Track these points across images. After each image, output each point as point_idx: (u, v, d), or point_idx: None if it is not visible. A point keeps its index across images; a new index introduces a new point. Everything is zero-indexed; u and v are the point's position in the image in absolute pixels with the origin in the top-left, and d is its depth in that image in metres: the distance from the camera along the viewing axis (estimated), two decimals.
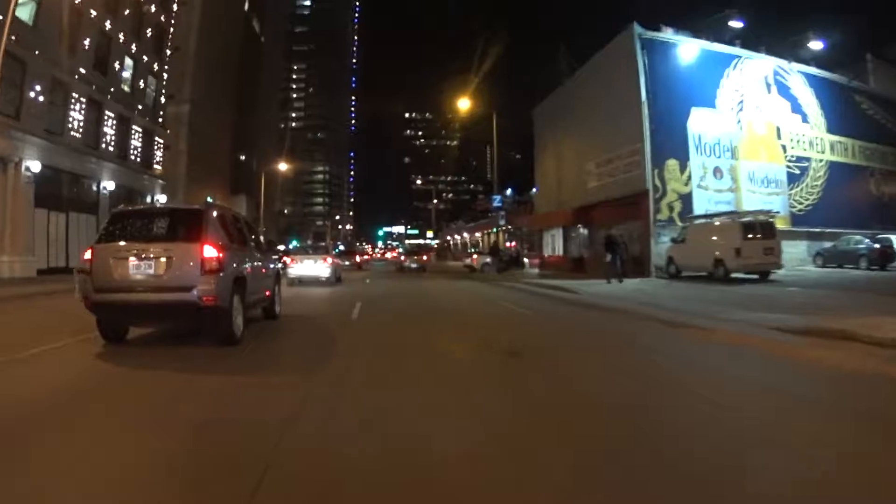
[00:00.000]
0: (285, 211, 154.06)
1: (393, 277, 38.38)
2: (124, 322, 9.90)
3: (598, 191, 34.35)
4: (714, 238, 25.19)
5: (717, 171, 31.57)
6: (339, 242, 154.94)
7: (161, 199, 45.45)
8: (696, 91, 31.90)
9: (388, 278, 37.24)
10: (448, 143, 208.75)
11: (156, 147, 45.94)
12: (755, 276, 24.60)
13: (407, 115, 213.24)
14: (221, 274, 9.12)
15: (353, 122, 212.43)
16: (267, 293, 12.60)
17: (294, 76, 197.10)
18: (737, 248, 23.79)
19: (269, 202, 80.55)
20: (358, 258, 58.82)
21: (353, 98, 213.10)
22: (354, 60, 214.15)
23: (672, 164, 29.98)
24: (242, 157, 68.85)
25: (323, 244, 48.34)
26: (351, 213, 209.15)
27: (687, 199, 30.10)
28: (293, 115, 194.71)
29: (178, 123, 52.91)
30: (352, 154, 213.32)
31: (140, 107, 43.22)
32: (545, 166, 43.26)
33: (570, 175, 38.39)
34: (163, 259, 8.92)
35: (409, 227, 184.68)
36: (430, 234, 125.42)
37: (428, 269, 49.22)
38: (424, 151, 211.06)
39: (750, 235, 24.04)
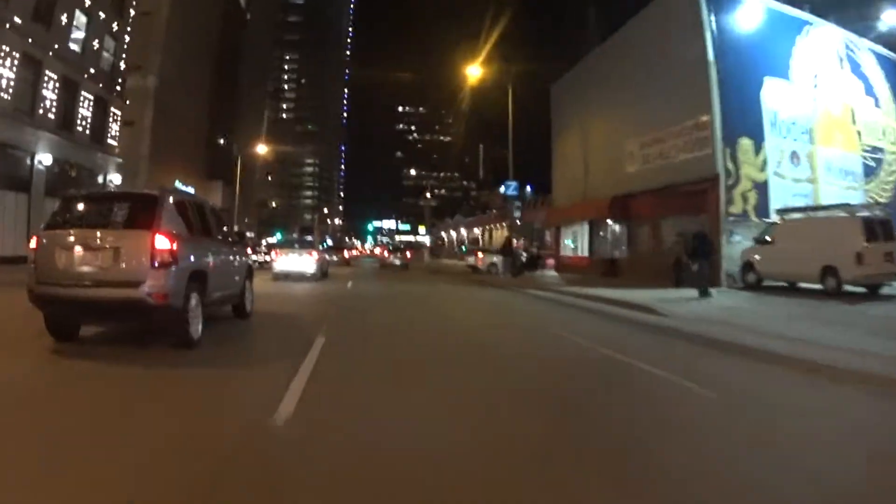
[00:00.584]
0: (273, 204, 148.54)
1: (381, 277, 34.04)
2: (70, 319, 8.64)
3: (642, 177, 27.80)
4: (823, 239, 18.57)
5: (794, 157, 25.04)
6: (326, 237, 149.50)
7: (115, 179, 38.60)
8: (768, 58, 25.34)
9: (377, 279, 32.91)
10: (441, 138, 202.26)
11: (111, 120, 39.04)
12: (863, 290, 18.24)
13: (400, 108, 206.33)
14: (174, 268, 8.06)
15: (345, 114, 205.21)
16: (235, 290, 11.51)
17: (286, 66, 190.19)
18: (858, 252, 17.32)
19: (251, 191, 73.60)
20: (346, 254, 57.47)
21: (346, 90, 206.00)
22: (348, 52, 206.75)
23: (746, 144, 23.39)
24: (221, 142, 61.81)
25: (310, 238, 44.99)
26: (341, 208, 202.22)
27: (762, 189, 23.53)
28: (284, 105, 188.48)
29: (143, 97, 45.95)
30: (342, 147, 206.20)
31: (92, 71, 36.31)
32: (566, 151, 36.63)
33: (601, 159, 31.89)
34: (109, 250, 7.90)
35: (399, 221, 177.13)
36: (422, 229, 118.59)
37: (420, 268, 45.40)
38: (417, 146, 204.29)
39: (872, 236, 17.59)
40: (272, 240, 72.34)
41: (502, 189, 30.85)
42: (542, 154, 41.14)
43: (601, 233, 32.61)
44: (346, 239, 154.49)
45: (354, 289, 24.19)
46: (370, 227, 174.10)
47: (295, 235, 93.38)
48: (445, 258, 76.35)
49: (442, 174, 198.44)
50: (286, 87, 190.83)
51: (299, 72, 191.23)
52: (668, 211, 26.47)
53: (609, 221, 31.43)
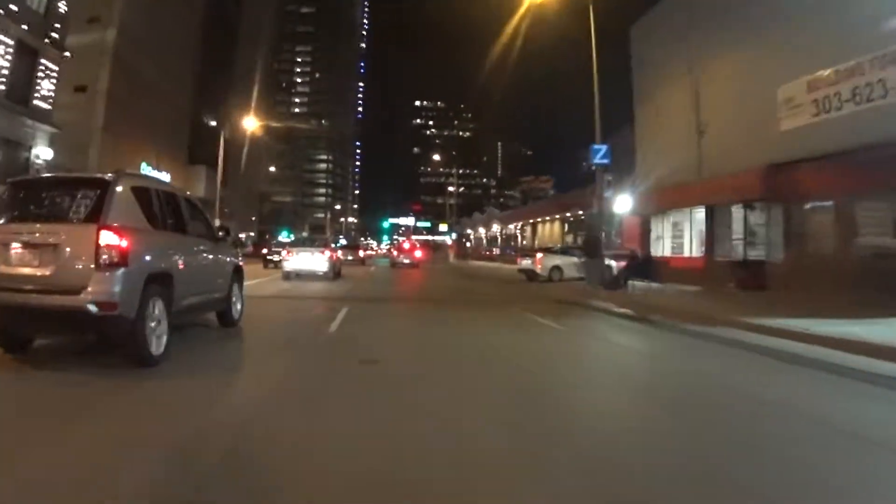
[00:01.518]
0: (282, 199, 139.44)
1: (401, 282, 28.25)
2: (12, 329, 7.28)
3: (813, 135, 17.21)
4: None
5: None
6: (340, 236, 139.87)
7: (43, 154, 28.54)
8: None
9: (395, 283, 27.01)
10: (460, 133, 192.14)
11: (44, 76, 28.88)
12: None
13: (417, 102, 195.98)
14: (125, 270, 6.61)
15: (360, 109, 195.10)
16: (217, 294, 9.64)
17: (298, 59, 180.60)
18: None
19: (251, 183, 63.43)
20: (361, 253, 53.52)
21: (361, 84, 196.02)
22: (363, 45, 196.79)
23: None
24: (209, 122, 51.46)
25: (324, 236, 44.54)
26: (355, 206, 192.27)
27: None
28: (296, 100, 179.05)
29: (98, 55, 35.74)
30: (357, 143, 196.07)
31: (14, 8, 26.22)
32: (659, 115, 26.00)
33: (730, 119, 21.35)
34: (48, 248, 6.61)
35: (419, 219, 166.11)
36: (443, 227, 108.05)
37: (446, 270, 38.75)
38: (435, 142, 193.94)
39: None
40: (284, 239, 64.47)
41: (591, 157, 19.92)
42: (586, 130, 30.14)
43: (727, 223, 21.91)
44: (362, 238, 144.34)
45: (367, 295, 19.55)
46: (385, 225, 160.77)
47: (305, 234, 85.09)
48: (474, 258, 65.63)
49: (461, 170, 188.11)
50: (298, 80, 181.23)
51: (312, 65, 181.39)
52: (870, 185, 15.90)
53: (742, 207, 20.82)
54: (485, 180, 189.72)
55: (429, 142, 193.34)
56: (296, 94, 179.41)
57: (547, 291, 20.58)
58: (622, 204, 29.66)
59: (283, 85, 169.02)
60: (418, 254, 48.48)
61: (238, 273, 10.80)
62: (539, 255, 26.52)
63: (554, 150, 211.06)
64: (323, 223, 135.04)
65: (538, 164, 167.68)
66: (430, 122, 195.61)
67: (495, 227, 69.02)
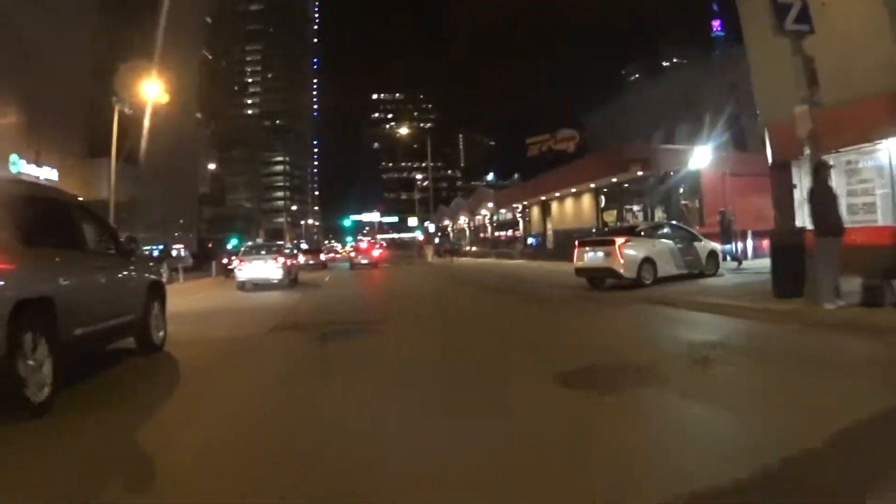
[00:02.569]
0: (247, 206, 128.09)
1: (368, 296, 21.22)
2: None
3: None
4: None
5: None
6: (302, 240, 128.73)
7: None
8: None
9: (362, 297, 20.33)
10: (422, 125, 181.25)
11: None
12: None
13: (375, 95, 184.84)
14: None
15: (316, 106, 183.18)
16: (127, 318, 7.92)
17: (248, 58, 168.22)
18: None
19: (182, 182, 52.05)
20: (323, 256, 52.07)
21: (315, 81, 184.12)
22: (316, 39, 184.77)
23: None
24: (116, 105, 39.40)
25: (277, 242, 41.97)
26: (317, 209, 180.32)
27: None
28: (249, 101, 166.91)
29: None
30: (315, 142, 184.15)
31: None
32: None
33: None
34: None
35: (384, 215, 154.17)
36: (412, 221, 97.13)
37: (429, 275, 31.04)
38: (396, 136, 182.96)
39: None
40: (235, 247, 54.31)
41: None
42: None
43: None
44: (326, 241, 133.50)
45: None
46: (346, 223, 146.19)
47: (259, 240, 74.58)
48: (461, 256, 54.53)
49: (423, 164, 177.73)
50: (250, 80, 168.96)
51: (264, 64, 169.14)
52: None
53: None
54: (450, 172, 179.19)
55: (389, 136, 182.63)
56: (248, 95, 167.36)
57: (704, 325, 9.87)
58: (700, 159, 19.70)
59: (236, 88, 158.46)
60: (376, 253, 45.71)
61: (156, 291, 9.07)
62: (620, 239, 15.71)
63: (519, 136, 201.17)
64: (281, 228, 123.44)
65: (502, 154, 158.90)
66: (390, 116, 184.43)
67: (484, 213, 56.51)
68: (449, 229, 74.06)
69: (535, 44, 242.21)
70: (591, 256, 15.96)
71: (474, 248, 57.20)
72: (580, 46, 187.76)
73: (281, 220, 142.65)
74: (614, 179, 30.29)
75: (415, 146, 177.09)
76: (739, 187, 23.21)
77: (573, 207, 37.12)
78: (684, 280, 15.62)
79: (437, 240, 68.98)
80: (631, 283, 14.93)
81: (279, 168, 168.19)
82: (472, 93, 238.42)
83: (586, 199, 35.15)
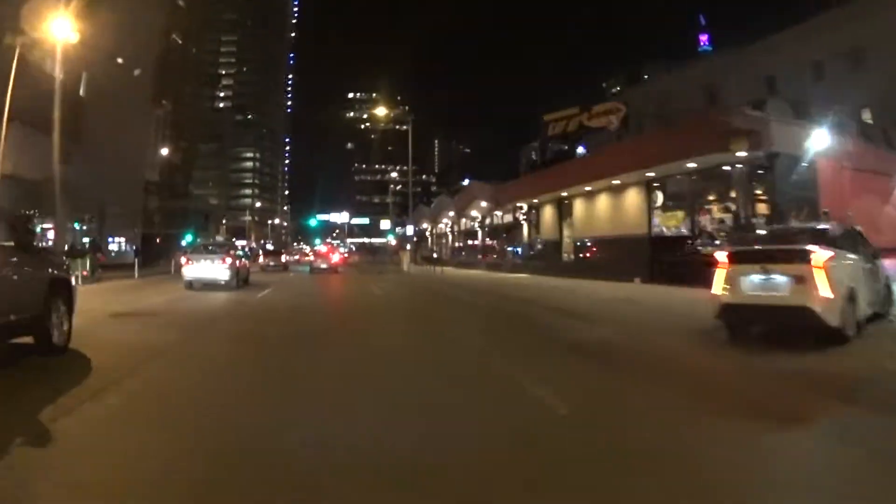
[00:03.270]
0: (213, 200, 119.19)
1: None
2: None
3: None
4: None
5: None
6: (268, 241, 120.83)
7: None
8: None
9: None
10: (397, 127, 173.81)
11: None
12: None
13: (350, 94, 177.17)
14: None
15: (290, 104, 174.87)
16: (16, 316, 7.11)
17: (222, 49, 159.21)
18: None
19: (123, 164, 43.96)
20: (284, 258, 49.81)
21: (290, 77, 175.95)
22: (293, 34, 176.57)
23: None
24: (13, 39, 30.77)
25: (227, 242, 40.40)
26: (286, 209, 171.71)
27: None
28: (220, 93, 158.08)
29: None
30: (287, 140, 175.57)
31: None
32: None
33: None
34: None
35: (353, 215, 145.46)
36: (385, 224, 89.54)
37: (387, 281, 29.73)
38: (370, 136, 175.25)
39: None
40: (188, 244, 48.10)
41: None
42: None
43: None
44: (295, 243, 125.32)
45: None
46: (312, 223, 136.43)
47: (219, 238, 66.77)
48: (451, 263, 47.10)
49: (399, 167, 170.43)
50: (223, 72, 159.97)
51: (239, 56, 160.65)
52: None
53: None
54: (424, 177, 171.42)
55: (363, 136, 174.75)
56: (219, 87, 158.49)
57: None
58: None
59: (207, 80, 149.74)
60: (335, 257, 44.77)
61: (59, 288, 8.27)
62: (822, 253, 8.42)
63: (493, 146, 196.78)
64: (247, 226, 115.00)
65: (477, 163, 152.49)
66: (365, 116, 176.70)
67: (476, 213, 46.92)
68: (427, 233, 66.13)
69: (515, 54, 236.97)
70: (761, 282, 8.62)
71: (462, 256, 49.69)
72: (558, 58, 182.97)
73: (247, 218, 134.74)
74: (692, 164, 21.50)
75: (389, 148, 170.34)
76: (861, 186, 16.43)
77: (609, 207, 27.82)
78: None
79: (408, 245, 61.48)
80: (826, 335, 8.10)
81: (249, 164, 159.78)
82: (450, 98, 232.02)
83: (632, 196, 25.90)
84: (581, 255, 30.68)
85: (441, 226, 58.57)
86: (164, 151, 54.57)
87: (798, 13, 36.46)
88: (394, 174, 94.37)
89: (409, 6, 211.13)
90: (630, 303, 16.08)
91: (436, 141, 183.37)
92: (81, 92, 38.61)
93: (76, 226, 41.16)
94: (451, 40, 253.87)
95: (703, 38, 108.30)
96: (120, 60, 41.09)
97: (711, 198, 23.07)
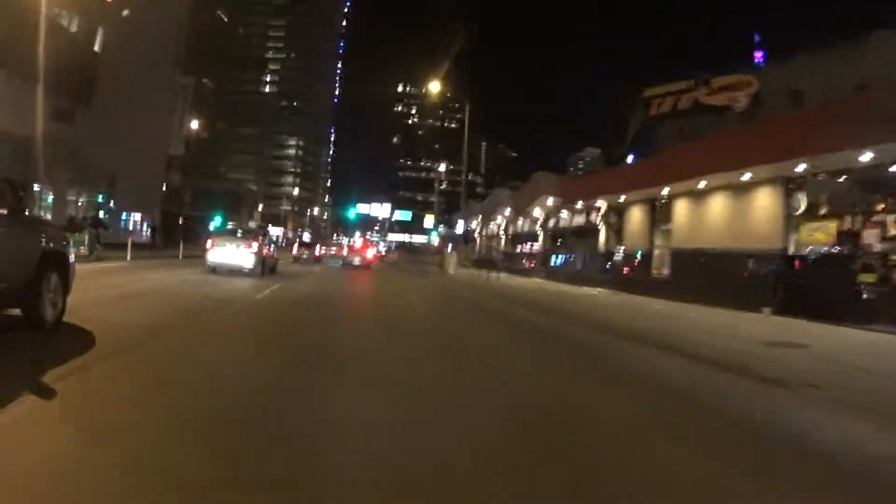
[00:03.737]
0: (252, 186, 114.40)
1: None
2: None
3: None
4: None
5: None
6: (305, 231, 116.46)
7: None
8: None
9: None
10: (446, 124, 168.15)
11: None
12: None
13: (400, 87, 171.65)
14: None
15: (336, 92, 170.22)
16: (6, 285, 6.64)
17: (270, 34, 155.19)
18: None
19: (147, 136, 38.98)
20: (321, 250, 45.31)
21: (339, 66, 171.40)
22: (345, 22, 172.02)
23: None
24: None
25: (254, 227, 38.03)
26: (328, 200, 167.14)
27: None
28: (267, 78, 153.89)
29: None
30: (332, 129, 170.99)
31: None
32: None
33: None
34: None
35: (395, 209, 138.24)
36: (429, 220, 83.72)
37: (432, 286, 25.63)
38: (417, 132, 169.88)
39: None
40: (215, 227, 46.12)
41: None
42: None
43: None
44: (335, 235, 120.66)
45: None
46: (352, 215, 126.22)
47: (252, 224, 62.19)
48: (514, 270, 40.21)
49: (444, 165, 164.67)
50: (270, 55, 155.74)
51: (286, 40, 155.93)
52: None
53: None
54: (469, 176, 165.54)
55: (410, 131, 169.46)
56: (266, 72, 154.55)
57: None
58: None
59: (253, 63, 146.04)
60: (370, 254, 43.96)
61: (52, 261, 7.61)
62: None
63: (540, 154, 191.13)
64: (283, 214, 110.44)
65: (525, 166, 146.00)
66: (414, 111, 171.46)
67: (538, 213, 39.07)
68: (476, 234, 59.90)
69: (567, 55, 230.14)
70: None
71: (519, 261, 43.18)
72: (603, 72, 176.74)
73: (286, 207, 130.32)
74: (866, 156, 15.21)
75: (436, 146, 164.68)
76: None
77: (727, 211, 21.26)
78: None
79: (450, 246, 55.57)
80: None
81: (291, 152, 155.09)
82: (501, 99, 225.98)
83: (762, 199, 19.44)
84: (678, 272, 23.88)
85: (493, 226, 52.22)
86: (194, 125, 49.31)
87: None
88: (441, 167, 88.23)
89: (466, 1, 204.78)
90: (796, 348, 10.31)
91: (483, 143, 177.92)
92: (96, 47, 33.36)
93: (99, 198, 36.24)
94: (507, 39, 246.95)
95: (758, 55, 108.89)
96: (138, 19, 35.84)
97: (881, 206, 16.68)
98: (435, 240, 67.50)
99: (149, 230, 41.99)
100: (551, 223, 38.40)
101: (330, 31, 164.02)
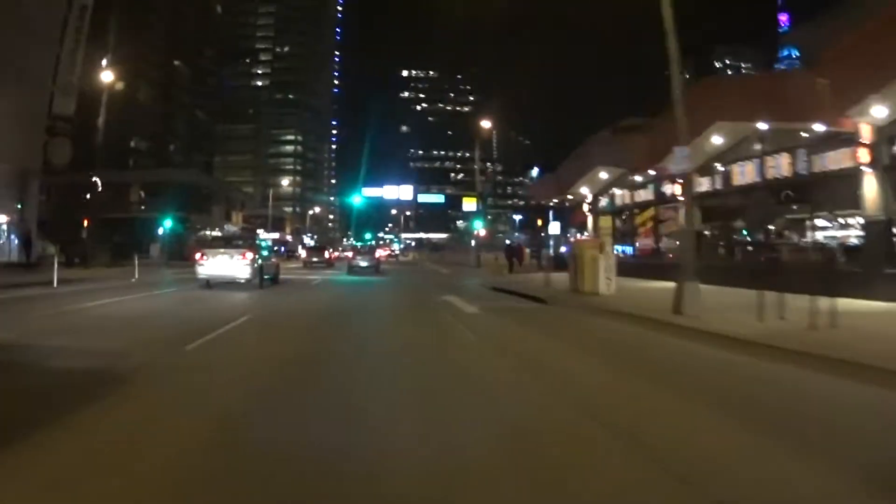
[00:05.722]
0: (248, 189, 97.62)
1: None
2: None
3: None
4: None
5: None
6: (308, 234, 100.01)
7: None
8: None
9: None
10: (457, 108, 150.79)
11: None
12: None
13: (405, 72, 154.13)
14: None
15: (336, 82, 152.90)
16: None
17: (260, 22, 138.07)
18: None
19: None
20: (328, 255, 43.39)
21: (337, 54, 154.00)
22: (340, 7, 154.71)
23: None
24: None
25: (247, 236, 34.59)
26: (333, 199, 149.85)
27: None
28: (259, 70, 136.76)
29: None
30: (334, 122, 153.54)
31: None
32: None
33: None
34: None
35: (421, 191, 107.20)
36: (468, 204, 66.08)
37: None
38: (427, 119, 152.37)
39: None
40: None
41: None
42: None
43: None
44: (345, 238, 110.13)
45: None
46: (356, 201, 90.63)
47: (234, 228, 46.64)
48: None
49: (459, 154, 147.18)
50: (262, 46, 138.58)
51: (276, 27, 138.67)
52: None
53: None
54: (489, 165, 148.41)
55: (419, 118, 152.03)
56: (257, 63, 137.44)
57: None
58: None
59: (239, 52, 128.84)
60: (379, 253, 39.38)
61: None
62: None
63: (555, 142, 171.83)
64: (283, 216, 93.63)
65: (540, 155, 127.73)
66: (422, 96, 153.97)
67: (585, 190, 24.70)
68: (588, 214, 32.07)
69: (583, 41, 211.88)
70: None
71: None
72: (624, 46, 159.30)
73: (288, 209, 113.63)
74: None
75: (449, 132, 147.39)
76: None
77: None
78: None
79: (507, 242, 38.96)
80: None
81: (290, 149, 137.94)
82: (513, 84, 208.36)
83: None
84: None
85: (603, 201, 32.83)
86: (107, 78, 31.28)
87: None
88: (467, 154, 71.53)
89: None
90: None
91: (493, 131, 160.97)
92: None
93: None
94: (516, 22, 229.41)
95: (783, 17, 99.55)
96: None
97: None
98: (482, 231, 49.84)
99: (16, 242, 24.60)
100: (602, 202, 20.17)
101: (324, 17, 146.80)
